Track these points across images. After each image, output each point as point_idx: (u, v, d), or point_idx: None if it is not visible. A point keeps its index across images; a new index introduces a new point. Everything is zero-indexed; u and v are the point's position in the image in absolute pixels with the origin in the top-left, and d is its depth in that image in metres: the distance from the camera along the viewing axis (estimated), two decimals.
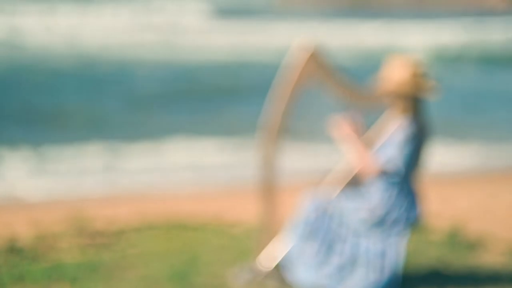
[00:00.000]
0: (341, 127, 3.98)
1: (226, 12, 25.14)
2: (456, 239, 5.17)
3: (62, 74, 14.97)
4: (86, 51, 18.01)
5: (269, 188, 4.18)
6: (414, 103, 3.89)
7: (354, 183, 4.18)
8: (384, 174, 3.87)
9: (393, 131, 3.92)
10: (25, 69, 15.56)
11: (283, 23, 22.28)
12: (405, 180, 3.92)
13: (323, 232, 3.96)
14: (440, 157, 8.88)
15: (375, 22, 22.73)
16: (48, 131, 10.45)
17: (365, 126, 4.09)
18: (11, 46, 18.76)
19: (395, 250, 3.94)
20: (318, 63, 4.02)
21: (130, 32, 21.03)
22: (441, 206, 6.53)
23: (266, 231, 4.23)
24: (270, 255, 4.21)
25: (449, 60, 18.14)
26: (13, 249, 5.00)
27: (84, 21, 22.40)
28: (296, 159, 8.29)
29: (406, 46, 19.24)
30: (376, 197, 3.92)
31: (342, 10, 27.83)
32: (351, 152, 3.97)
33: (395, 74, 3.86)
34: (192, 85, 14.08)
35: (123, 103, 12.29)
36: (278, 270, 4.17)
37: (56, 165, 8.83)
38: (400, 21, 22.80)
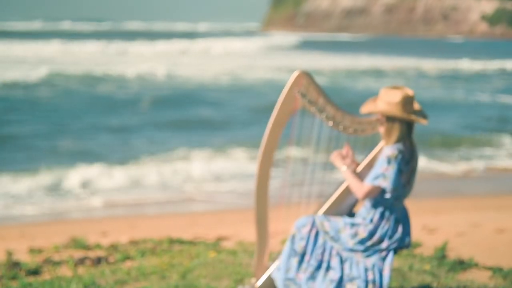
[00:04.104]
0: (334, 156, 4.14)
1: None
2: (442, 261, 5.32)
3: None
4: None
5: (263, 208, 4.29)
6: (403, 127, 4.04)
7: (346, 205, 4.31)
8: (371, 195, 4.02)
9: (382, 154, 4.07)
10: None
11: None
12: (391, 201, 4.07)
13: (312, 248, 4.11)
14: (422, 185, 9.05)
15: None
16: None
17: (354, 155, 4.24)
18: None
19: (382, 268, 4.06)
20: (305, 86, 4.16)
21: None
22: (425, 233, 6.64)
23: (259, 248, 4.34)
24: (262, 271, 4.34)
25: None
26: (12, 264, 5.12)
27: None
28: (288, 181, 8.40)
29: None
30: (362, 216, 4.08)
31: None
32: (344, 177, 4.13)
33: (386, 97, 4.03)
34: None
35: None
36: (269, 286, 4.29)
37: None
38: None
